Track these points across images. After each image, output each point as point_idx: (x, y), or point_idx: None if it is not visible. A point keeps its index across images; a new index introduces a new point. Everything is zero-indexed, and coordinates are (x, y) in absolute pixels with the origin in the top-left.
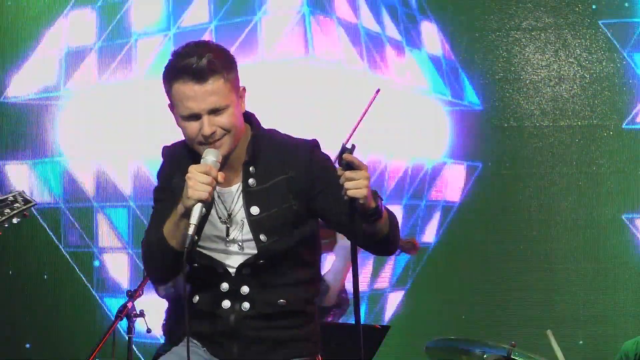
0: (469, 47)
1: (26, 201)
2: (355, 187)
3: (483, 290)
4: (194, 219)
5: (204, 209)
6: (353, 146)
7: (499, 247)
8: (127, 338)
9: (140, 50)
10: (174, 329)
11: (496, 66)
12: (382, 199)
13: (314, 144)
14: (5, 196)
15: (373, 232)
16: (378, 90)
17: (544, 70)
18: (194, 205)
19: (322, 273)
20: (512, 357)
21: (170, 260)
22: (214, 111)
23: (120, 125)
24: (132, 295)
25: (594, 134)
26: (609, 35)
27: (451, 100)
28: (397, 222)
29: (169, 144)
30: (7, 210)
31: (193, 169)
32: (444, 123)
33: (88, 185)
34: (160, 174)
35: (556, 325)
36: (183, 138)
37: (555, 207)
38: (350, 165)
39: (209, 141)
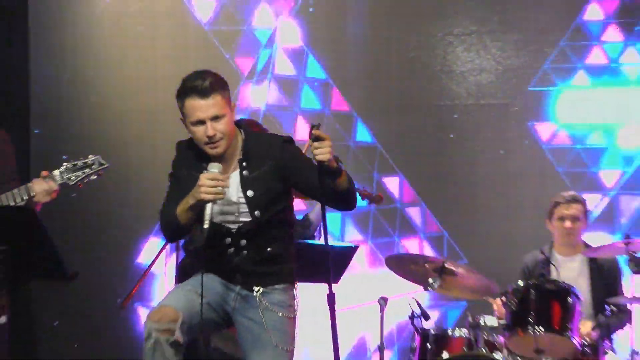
0: (415, 47)
1: (101, 164)
2: (321, 152)
3: None
4: (208, 215)
5: (214, 205)
6: (319, 124)
7: None
8: None
9: None
10: (191, 271)
11: (435, 61)
12: (341, 162)
13: (285, 139)
14: (86, 159)
15: (336, 188)
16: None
17: (469, 64)
18: (206, 204)
19: (308, 213)
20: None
21: (179, 230)
22: (215, 118)
23: None
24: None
25: (505, 110)
26: (515, 39)
27: None
28: (353, 182)
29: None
30: (87, 170)
31: (203, 177)
32: None
33: None
34: (174, 163)
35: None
36: None
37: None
38: (318, 138)
39: (212, 141)
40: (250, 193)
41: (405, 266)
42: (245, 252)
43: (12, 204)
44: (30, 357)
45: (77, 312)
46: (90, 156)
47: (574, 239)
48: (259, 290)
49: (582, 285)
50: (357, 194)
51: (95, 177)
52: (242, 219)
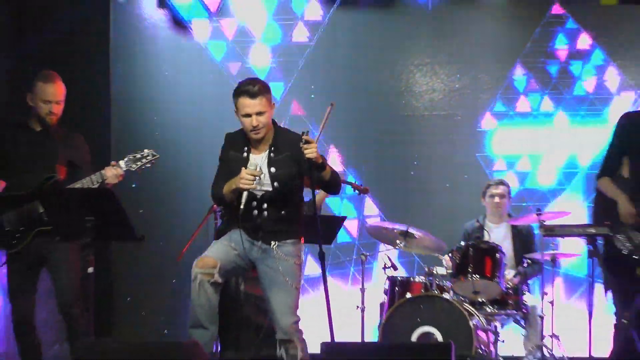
0: (386, 73)
1: (153, 155)
2: (309, 152)
3: None
4: (244, 199)
5: (247, 192)
6: (308, 131)
7: None
8: None
9: None
10: (225, 230)
11: (400, 84)
12: (326, 160)
13: (299, 137)
14: (142, 152)
15: (322, 178)
16: (332, 104)
17: (425, 85)
18: (243, 191)
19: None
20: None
21: (225, 202)
22: (259, 113)
23: None
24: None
25: (451, 119)
26: (458, 68)
27: None
28: (337, 174)
29: (231, 131)
30: (144, 160)
31: (244, 171)
32: None
33: None
34: (223, 148)
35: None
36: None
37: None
38: (307, 141)
39: (256, 129)
40: (273, 170)
41: (380, 232)
42: (265, 213)
43: (91, 186)
44: (108, 298)
45: (143, 266)
46: (145, 150)
47: (501, 211)
48: (275, 244)
49: (506, 245)
50: (351, 186)
51: (150, 165)
52: (265, 189)
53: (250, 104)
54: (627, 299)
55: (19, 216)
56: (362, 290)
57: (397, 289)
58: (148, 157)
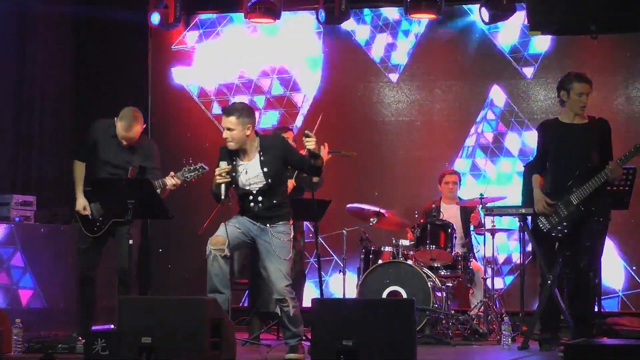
0: (362, 88)
1: (204, 168)
2: (310, 143)
3: None
4: (223, 191)
5: (226, 185)
6: (308, 129)
7: None
8: None
9: None
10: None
11: (373, 96)
12: (319, 152)
13: (281, 138)
14: (197, 165)
15: (316, 165)
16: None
17: (392, 98)
18: (220, 185)
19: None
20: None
21: (216, 197)
22: (229, 129)
23: None
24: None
25: (411, 124)
26: (417, 84)
27: None
28: (324, 163)
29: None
30: (197, 172)
31: (216, 170)
32: None
33: None
34: (219, 157)
35: None
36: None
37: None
38: (308, 135)
39: (228, 142)
40: (265, 169)
41: (357, 212)
42: (260, 204)
43: (157, 190)
44: (145, 267)
45: (173, 239)
46: (199, 163)
47: (453, 195)
48: (269, 226)
49: (457, 222)
50: (341, 153)
51: (201, 175)
52: (259, 186)
53: (224, 120)
54: (550, 264)
55: (101, 208)
56: (343, 258)
57: (370, 257)
58: (200, 170)
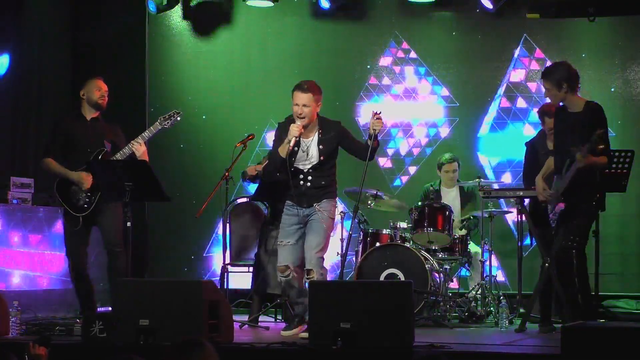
0: (359, 70)
1: (177, 112)
2: (378, 125)
3: None
4: (291, 142)
5: (293, 142)
6: (380, 111)
7: None
8: None
9: None
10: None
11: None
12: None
13: (339, 123)
14: (170, 112)
15: (373, 146)
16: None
17: (387, 80)
18: (286, 147)
19: None
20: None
21: (276, 166)
22: (305, 105)
23: None
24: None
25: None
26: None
27: None
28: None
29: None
30: (172, 119)
31: (292, 125)
32: None
33: None
34: (276, 132)
35: None
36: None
37: None
38: (378, 117)
39: (300, 116)
40: (321, 146)
41: (356, 195)
42: (309, 183)
43: (123, 157)
44: (143, 246)
45: (172, 221)
46: (172, 111)
47: (452, 180)
48: (315, 205)
49: (455, 205)
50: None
51: (179, 119)
52: (313, 163)
53: (300, 97)
54: (547, 246)
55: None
56: (342, 240)
57: (368, 239)
58: (175, 116)
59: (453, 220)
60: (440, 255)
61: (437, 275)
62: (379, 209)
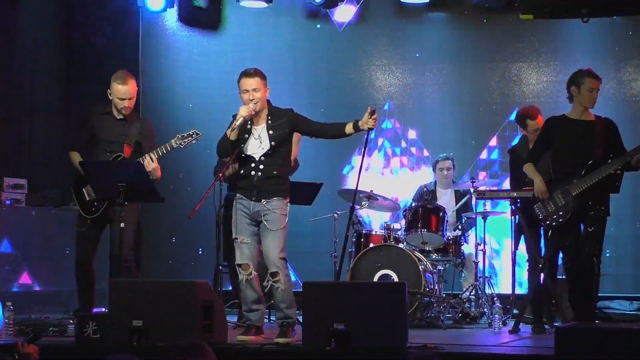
0: (353, 71)
1: (197, 133)
2: (372, 123)
3: None
4: (239, 122)
5: (241, 122)
6: (375, 109)
7: None
8: None
9: None
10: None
11: (364, 79)
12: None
13: (291, 109)
14: (189, 131)
15: (347, 133)
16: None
17: (383, 81)
18: (240, 120)
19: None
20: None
21: (226, 148)
22: (255, 90)
23: None
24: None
25: (403, 107)
26: (409, 67)
27: None
28: None
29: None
30: (190, 138)
31: (242, 107)
32: None
33: None
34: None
35: None
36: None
37: None
38: (373, 114)
39: (252, 102)
40: (271, 132)
41: (349, 194)
42: (260, 173)
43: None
44: (137, 246)
45: (165, 222)
46: (191, 130)
47: (447, 180)
48: (264, 202)
49: (449, 206)
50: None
51: (195, 142)
52: (264, 150)
53: (246, 82)
54: (539, 248)
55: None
56: (335, 242)
57: (362, 240)
58: (194, 135)
59: (447, 220)
60: (434, 257)
61: (430, 276)
62: (372, 209)
